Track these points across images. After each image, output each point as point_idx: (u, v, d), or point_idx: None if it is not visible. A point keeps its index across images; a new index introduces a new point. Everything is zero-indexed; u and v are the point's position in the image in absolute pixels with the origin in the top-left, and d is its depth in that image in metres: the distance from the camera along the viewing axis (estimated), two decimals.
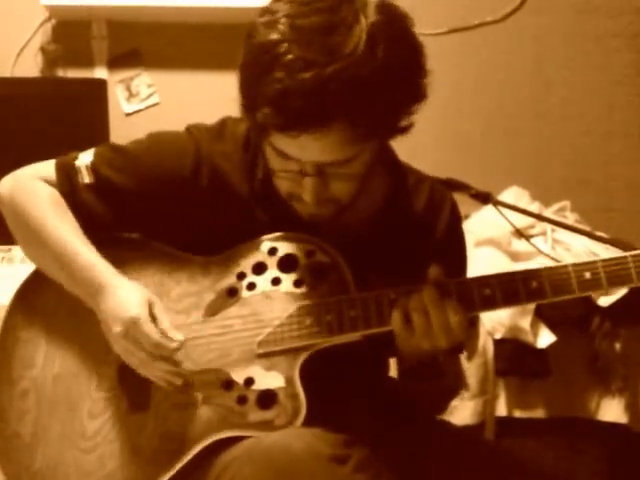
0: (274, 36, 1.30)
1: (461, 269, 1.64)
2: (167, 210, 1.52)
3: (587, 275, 1.37)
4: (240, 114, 1.41)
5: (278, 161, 1.41)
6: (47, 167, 1.56)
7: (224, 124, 1.56)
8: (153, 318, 1.41)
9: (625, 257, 1.37)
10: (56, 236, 1.49)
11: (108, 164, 1.53)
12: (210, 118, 1.58)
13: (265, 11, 1.35)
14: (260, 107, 1.31)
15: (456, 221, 1.64)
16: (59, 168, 1.55)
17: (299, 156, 1.36)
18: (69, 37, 3.07)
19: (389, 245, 1.54)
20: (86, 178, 1.53)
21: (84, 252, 1.48)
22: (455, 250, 1.65)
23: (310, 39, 1.28)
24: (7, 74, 3.03)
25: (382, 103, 1.31)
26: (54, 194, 1.54)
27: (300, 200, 1.43)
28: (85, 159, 1.54)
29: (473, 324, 1.37)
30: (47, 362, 1.53)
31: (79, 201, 1.53)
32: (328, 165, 1.37)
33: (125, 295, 1.42)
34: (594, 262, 1.37)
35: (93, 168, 1.53)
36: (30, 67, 3.05)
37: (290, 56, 1.28)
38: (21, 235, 1.57)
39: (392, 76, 1.31)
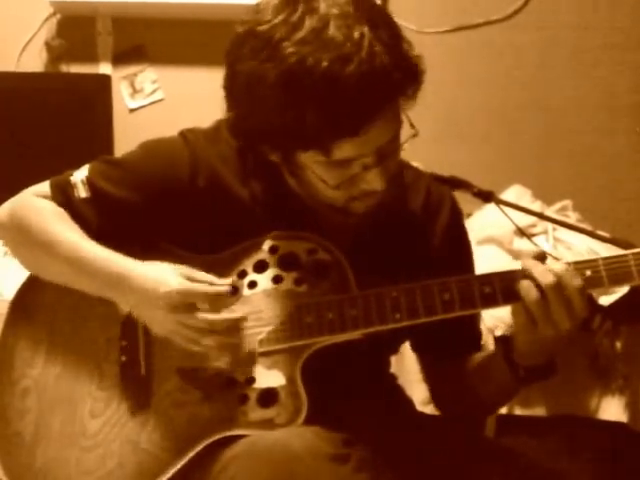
0: (292, 59, 1.29)
1: (467, 266, 1.65)
2: (167, 216, 1.51)
3: (588, 273, 1.37)
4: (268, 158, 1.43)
5: (335, 175, 1.39)
6: (42, 187, 1.56)
7: (219, 126, 1.55)
8: (191, 279, 1.40)
9: (626, 255, 1.37)
10: (67, 241, 1.48)
11: (103, 177, 1.52)
12: (214, 115, 1.58)
13: (255, 50, 1.34)
14: (320, 130, 1.31)
15: (456, 218, 1.65)
16: (54, 186, 1.55)
17: (362, 152, 1.36)
18: (74, 33, 3.07)
19: (388, 245, 1.55)
20: (82, 193, 1.52)
21: (99, 250, 1.47)
22: (458, 248, 1.65)
23: (323, 43, 1.29)
24: (12, 69, 3.04)
25: (405, 52, 1.35)
26: (54, 206, 1.53)
27: (362, 197, 1.43)
28: (80, 175, 1.53)
29: (590, 302, 1.38)
30: (48, 361, 1.53)
31: (77, 216, 1.52)
32: (386, 145, 1.38)
33: (155, 273, 1.41)
34: (595, 260, 1.37)
35: (89, 182, 1.52)
36: (35, 62, 3.06)
37: (324, 63, 1.28)
38: (27, 252, 1.55)
39: (387, 14, 1.38)
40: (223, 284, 1.41)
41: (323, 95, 1.29)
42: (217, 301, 1.40)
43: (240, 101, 1.40)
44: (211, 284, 1.41)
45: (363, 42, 1.29)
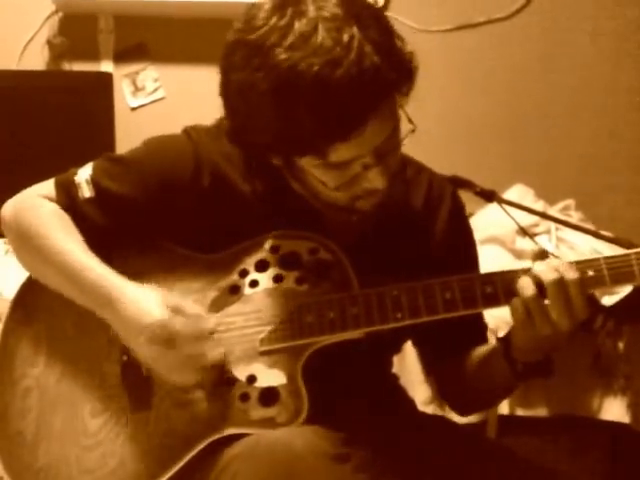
0: (283, 66, 1.29)
1: (470, 257, 1.65)
2: (170, 213, 1.51)
3: (590, 273, 1.37)
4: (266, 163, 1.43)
5: (334, 176, 1.40)
6: (47, 186, 1.55)
7: (221, 124, 1.54)
8: (176, 311, 1.40)
9: (628, 255, 1.37)
10: (62, 251, 1.48)
11: (107, 175, 1.52)
12: (215, 113, 1.57)
13: (248, 56, 1.33)
14: (314, 135, 1.31)
15: (458, 210, 1.64)
16: (59, 186, 1.54)
17: (359, 152, 1.36)
18: (76, 30, 3.07)
19: (391, 242, 1.54)
20: (86, 192, 1.52)
21: (91, 264, 1.46)
22: (461, 241, 1.65)
23: (313, 48, 1.29)
24: (13, 67, 3.04)
25: (398, 49, 1.35)
26: (57, 209, 1.53)
27: (366, 196, 1.43)
28: (84, 174, 1.53)
29: (592, 302, 1.37)
30: (49, 360, 1.53)
31: (81, 216, 1.52)
32: (383, 144, 1.38)
33: (141, 301, 1.41)
34: (597, 259, 1.37)
35: (93, 182, 1.52)
36: (36, 60, 3.06)
37: (315, 68, 1.28)
38: (26, 255, 1.55)
39: (379, 12, 1.37)
40: (208, 320, 1.41)
41: (315, 100, 1.28)
42: (197, 339, 1.40)
43: (235, 109, 1.40)
44: (197, 317, 1.41)
45: (352, 44, 1.29)
